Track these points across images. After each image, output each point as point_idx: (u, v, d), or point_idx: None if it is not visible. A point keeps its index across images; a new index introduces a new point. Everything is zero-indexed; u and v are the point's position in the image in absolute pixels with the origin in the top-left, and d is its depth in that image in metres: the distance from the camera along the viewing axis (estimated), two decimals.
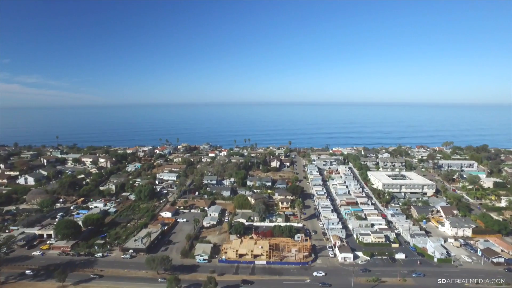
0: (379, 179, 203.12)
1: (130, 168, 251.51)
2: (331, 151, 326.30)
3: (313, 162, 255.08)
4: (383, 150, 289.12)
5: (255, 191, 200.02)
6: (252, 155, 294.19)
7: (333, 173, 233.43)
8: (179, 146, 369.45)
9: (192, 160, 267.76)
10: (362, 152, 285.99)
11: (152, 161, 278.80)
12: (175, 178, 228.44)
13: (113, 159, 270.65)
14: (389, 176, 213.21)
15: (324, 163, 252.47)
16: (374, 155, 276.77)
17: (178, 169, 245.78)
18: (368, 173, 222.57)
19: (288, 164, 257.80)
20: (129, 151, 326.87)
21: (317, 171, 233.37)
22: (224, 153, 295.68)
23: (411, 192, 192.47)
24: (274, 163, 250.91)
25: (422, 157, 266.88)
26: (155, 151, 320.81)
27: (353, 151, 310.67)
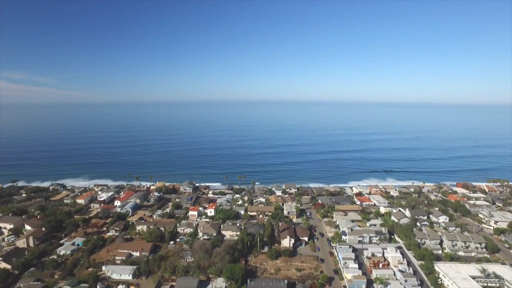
0: None
1: (65, 249, 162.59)
2: (355, 199, 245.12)
3: (344, 238, 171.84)
4: (436, 209, 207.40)
5: None
6: (252, 213, 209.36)
7: (380, 264, 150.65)
8: (151, 187, 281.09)
9: (163, 230, 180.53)
10: (407, 213, 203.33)
11: (105, 228, 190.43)
12: (130, 277, 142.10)
13: (43, 228, 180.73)
14: (473, 278, 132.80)
15: (361, 238, 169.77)
16: (426, 216, 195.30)
17: (139, 252, 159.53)
18: (437, 268, 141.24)
19: (306, 239, 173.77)
20: (80, 200, 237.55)
21: (354, 260, 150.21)
22: (211, 210, 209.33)
23: None
24: (286, 241, 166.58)
25: (496, 223, 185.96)
26: (116, 203, 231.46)
27: (386, 203, 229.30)
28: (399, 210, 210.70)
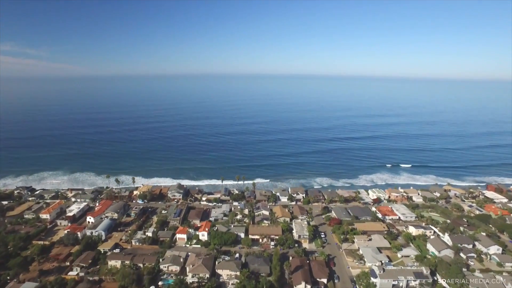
0: None
1: None
2: (375, 211, 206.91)
3: (373, 280, 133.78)
4: (483, 234, 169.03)
5: None
6: (254, 237, 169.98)
7: None
8: (134, 192, 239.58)
9: (142, 267, 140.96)
10: (447, 238, 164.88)
11: (68, 263, 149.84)
12: None
13: None
14: None
15: (395, 282, 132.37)
16: (471, 245, 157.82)
17: None
18: None
19: (324, 280, 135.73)
20: (44, 215, 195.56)
21: None
22: (203, 233, 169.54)
23: None
24: (301, 287, 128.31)
25: None
26: (88, 219, 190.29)
27: (414, 217, 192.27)
28: (435, 233, 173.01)
